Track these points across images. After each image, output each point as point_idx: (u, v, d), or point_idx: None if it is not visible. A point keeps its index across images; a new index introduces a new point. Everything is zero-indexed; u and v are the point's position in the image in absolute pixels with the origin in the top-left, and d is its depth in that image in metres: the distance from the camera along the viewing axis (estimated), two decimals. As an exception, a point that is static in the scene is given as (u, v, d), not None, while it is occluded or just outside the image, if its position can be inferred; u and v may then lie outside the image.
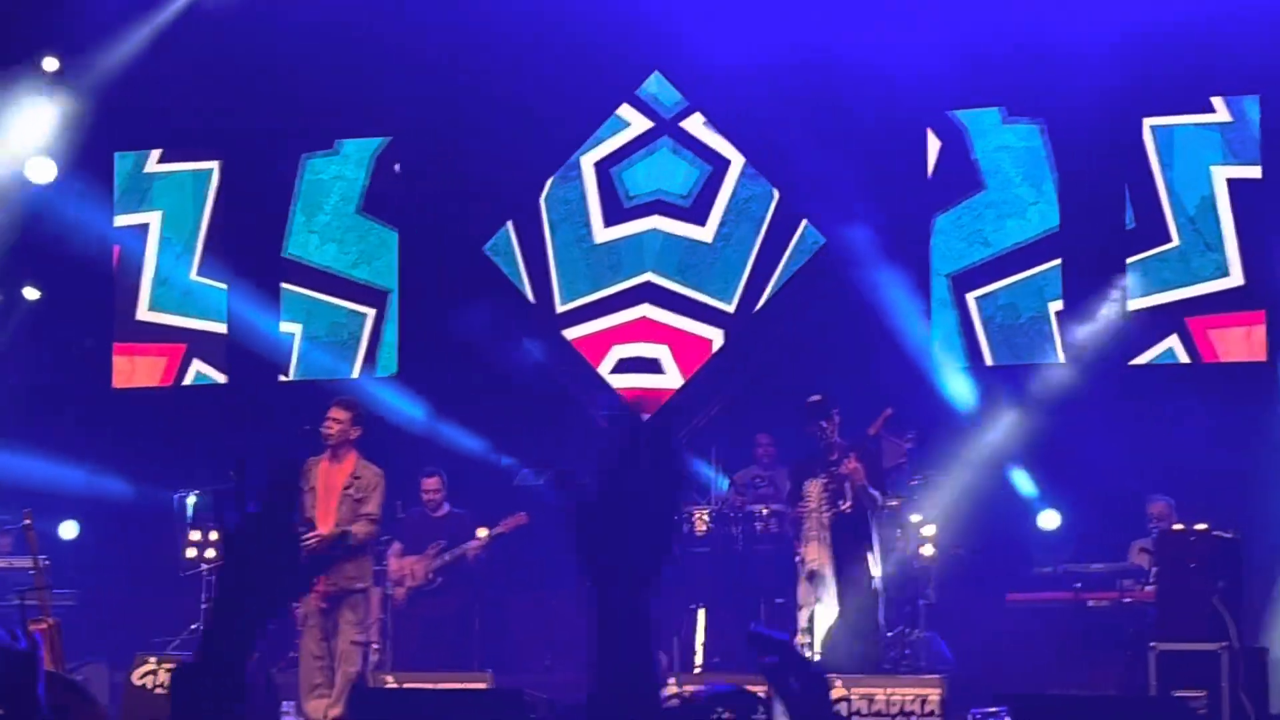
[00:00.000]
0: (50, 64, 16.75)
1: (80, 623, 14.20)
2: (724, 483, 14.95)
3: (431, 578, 14.24)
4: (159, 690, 11.44)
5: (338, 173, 17.35)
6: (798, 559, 12.49)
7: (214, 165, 17.54)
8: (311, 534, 12.22)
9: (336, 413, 12.55)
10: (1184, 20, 15.11)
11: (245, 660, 2.72)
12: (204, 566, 15.49)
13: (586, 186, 16.83)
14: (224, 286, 17.36)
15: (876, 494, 12.54)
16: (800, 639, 12.12)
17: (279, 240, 17.33)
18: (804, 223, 16.33)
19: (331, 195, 17.34)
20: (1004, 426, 15.25)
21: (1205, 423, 14.51)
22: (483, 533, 14.41)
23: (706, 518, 14.81)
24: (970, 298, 15.90)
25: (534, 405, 16.14)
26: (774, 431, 15.13)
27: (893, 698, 10.79)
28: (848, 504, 12.20)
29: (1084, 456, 14.76)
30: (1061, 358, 15.62)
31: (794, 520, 12.67)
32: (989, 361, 15.81)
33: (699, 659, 14.37)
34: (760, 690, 3.61)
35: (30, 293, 17.10)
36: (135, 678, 11.62)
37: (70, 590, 15.04)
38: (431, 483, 14.55)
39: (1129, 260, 15.53)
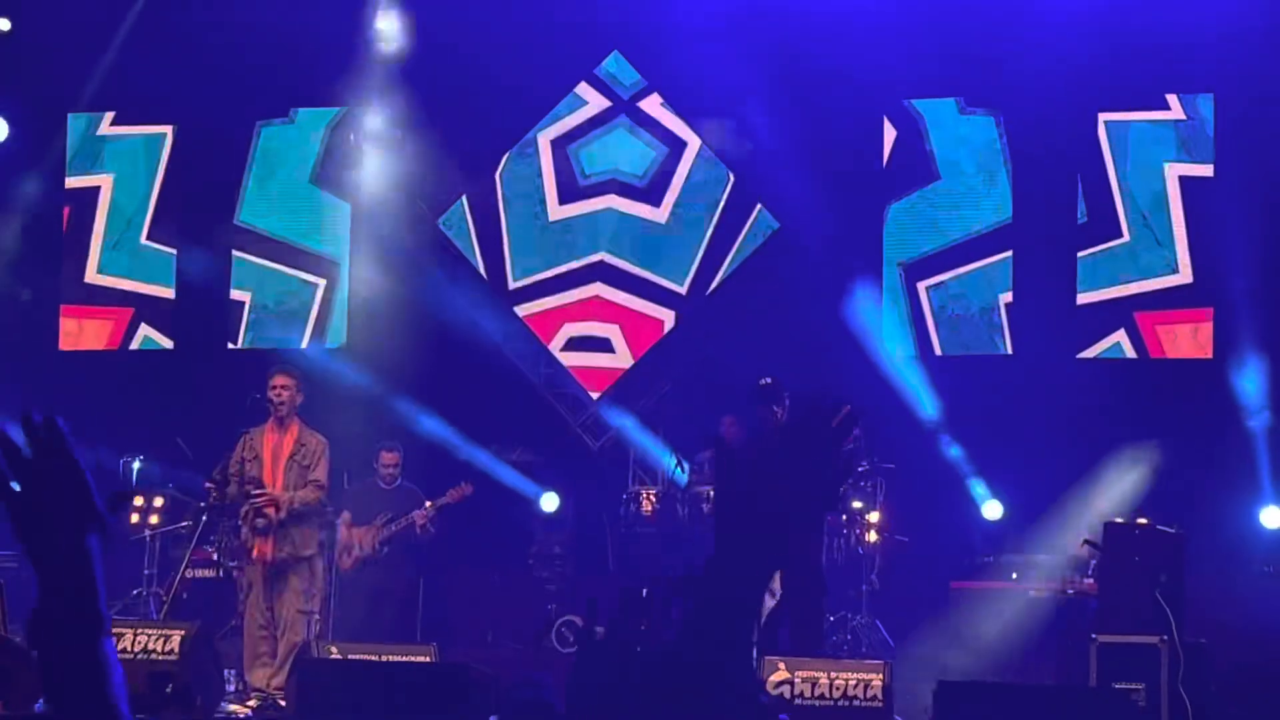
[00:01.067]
0: (3, 24, 16.62)
1: (23, 585, 14.11)
2: (678, 472, 14.90)
3: (378, 548, 14.21)
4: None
5: (292, 141, 17.27)
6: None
7: (168, 130, 17.44)
8: (262, 492, 12.20)
9: (284, 379, 12.52)
10: (1141, 17, 15.21)
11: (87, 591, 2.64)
12: (147, 532, 15.44)
13: (543, 163, 16.82)
14: (173, 252, 17.27)
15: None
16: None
17: (231, 207, 17.25)
18: (758, 207, 16.37)
19: (285, 164, 17.26)
20: (951, 416, 15.31)
21: (1150, 418, 14.65)
22: (427, 505, 14.40)
23: (653, 498, 14.85)
24: (921, 287, 15.97)
25: (483, 378, 16.12)
26: (729, 413, 15.13)
27: (836, 681, 10.83)
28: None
29: (1029, 447, 14.85)
30: (1009, 349, 15.70)
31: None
32: (938, 351, 15.89)
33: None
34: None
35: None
36: (78, 641, 11.54)
37: (12, 552, 14.95)
38: (390, 456, 14.51)
39: (1080, 254, 15.62)
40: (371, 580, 14.22)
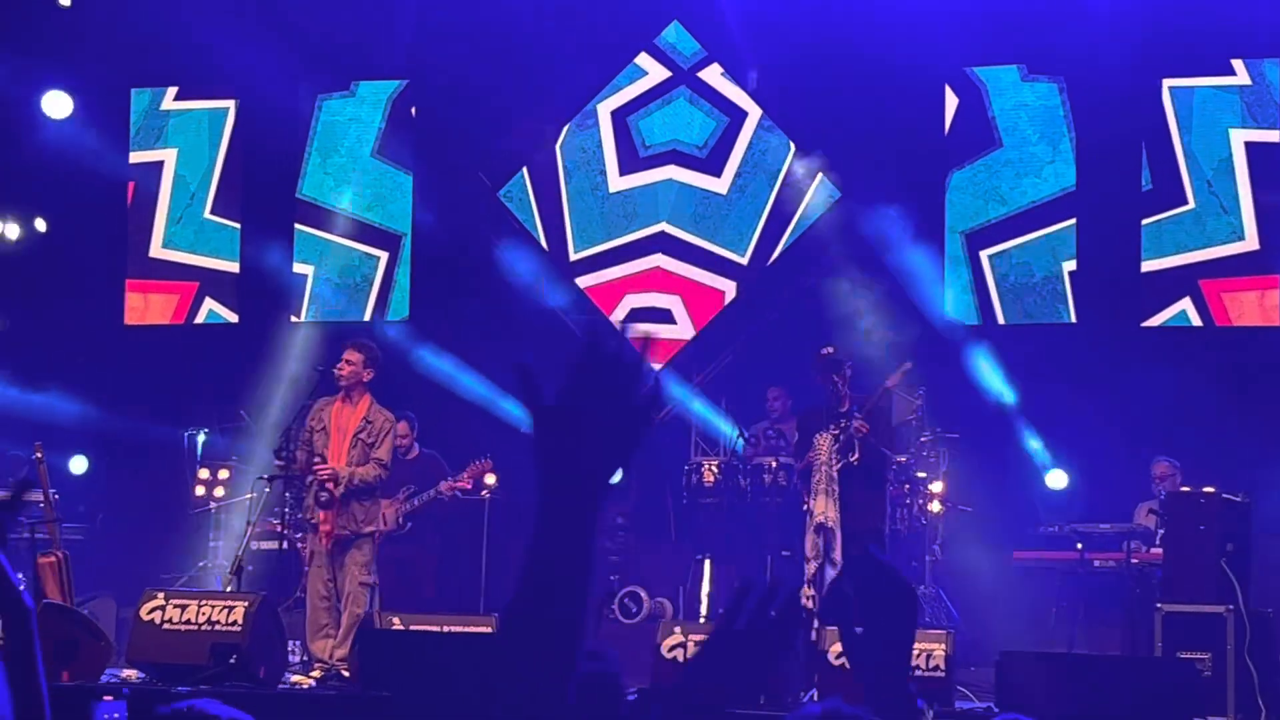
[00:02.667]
0: (64, -1, 16.75)
1: (89, 556, 14.26)
2: (739, 443, 14.88)
3: (401, 523, 14.14)
4: (167, 625, 11.48)
5: (354, 115, 17.32)
6: (805, 510, 12.49)
7: (230, 104, 17.52)
8: (324, 465, 12.25)
9: (351, 354, 12.55)
10: (1206, -18, 15.07)
11: None
12: (212, 504, 15.55)
13: (603, 134, 16.80)
14: (237, 226, 17.36)
15: (886, 452, 12.53)
16: (806, 591, 12.14)
17: (293, 181, 17.31)
18: (819, 176, 16.30)
19: (347, 137, 17.31)
20: (1014, 385, 15.23)
21: (1216, 386, 14.53)
22: (461, 484, 14.34)
23: (715, 469, 14.83)
24: (984, 255, 15.87)
25: (545, 350, 16.12)
26: (785, 384, 15.13)
27: (898, 651, 10.78)
28: (856, 456, 12.19)
29: (1094, 417, 14.77)
30: (1074, 317, 15.60)
31: (802, 472, 12.67)
32: (1001, 320, 15.79)
33: (704, 609, 14.41)
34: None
35: (39, 224, 17.09)
36: (143, 612, 11.65)
37: (79, 524, 15.11)
38: (401, 427, 14.47)
39: (1144, 221, 15.49)
40: (398, 553, 14.12)
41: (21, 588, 3.36)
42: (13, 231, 17.04)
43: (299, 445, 12.45)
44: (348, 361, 12.50)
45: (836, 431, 12.23)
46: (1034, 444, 15.06)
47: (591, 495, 2.47)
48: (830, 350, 12.53)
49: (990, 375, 15.26)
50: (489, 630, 11.79)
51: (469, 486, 14.41)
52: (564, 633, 2.47)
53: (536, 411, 2.46)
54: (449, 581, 14.60)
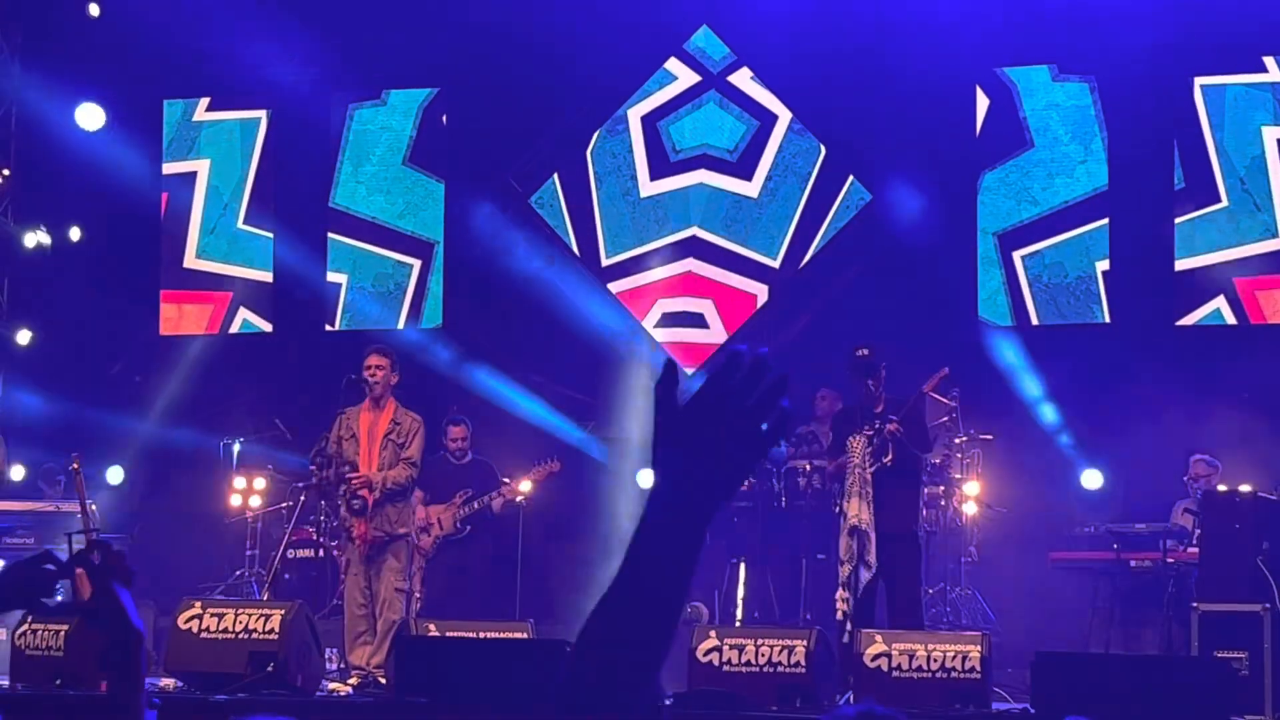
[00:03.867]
0: (94, 9, 16.83)
1: (140, 559, 14.31)
2: (781, 446, 14.86)
3: (460, 526, 14.21)
4: (204, 634, 11.53)
5: (385, 123, 17.38)
6: (838, 512, 12.49)
7: (262, 114, 17.59)
8: (356, 475, 12.28)
9: (377, 360, 12.59)
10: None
11: None
12: (248, 514, 15.61)
13: (633, 140, 16.82)
14: (270, 235, 17.43)
15: (921, 454, 12.51)
16: (841, 594, 12.13)
17: (326, 190, 17.37)
18: (850, 179, 16.30)
19: (379, 146, 17.37)
20: (1049, 385, 15.20)
21: (1251, 384, 14.48)
22: (526, 485, 14.41)
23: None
24: (1017, 256, 15.85)
25: (578, 357, 16.15)
26: (824, 386, 15.11)
27: (933, 654, 10.79)
28: (890, 458, 12.17)
29: (1128, 416, 14.73)
30: (1107, 317, 15.57)
31: (835, 474, 12.66)
32: (1035, 320, 15.76)
33: (739, 613, 14.41)
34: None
35: (74, 234, 17.18)
36: (180, 621, 11.69)
37: (116, 535, 15.16)
38: (458, 430, 14.50)
39: (1177, 220, 15.45)
40: (454, 558, 14.20)
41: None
42: (47, 242, 17.13)
43: (328, 456, 12.48)
44: (377, 367, 12.53)
45: (870, 433, 12.21)
46: (1068, 448, 15.02)
47: (704, 514, 2.41)
48: (865, 352, 12.50)
49: (1024, 376, 15.24)
50: (525, 636, 11.80)
51: (529, 491, 14.41)
52: (648, 652, 2.41)
53: (669, 412, 2.40)
54: (496, 587, 14.60)
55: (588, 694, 2.37)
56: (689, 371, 16.39)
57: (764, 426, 2.41)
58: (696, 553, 2.39)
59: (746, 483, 14.57)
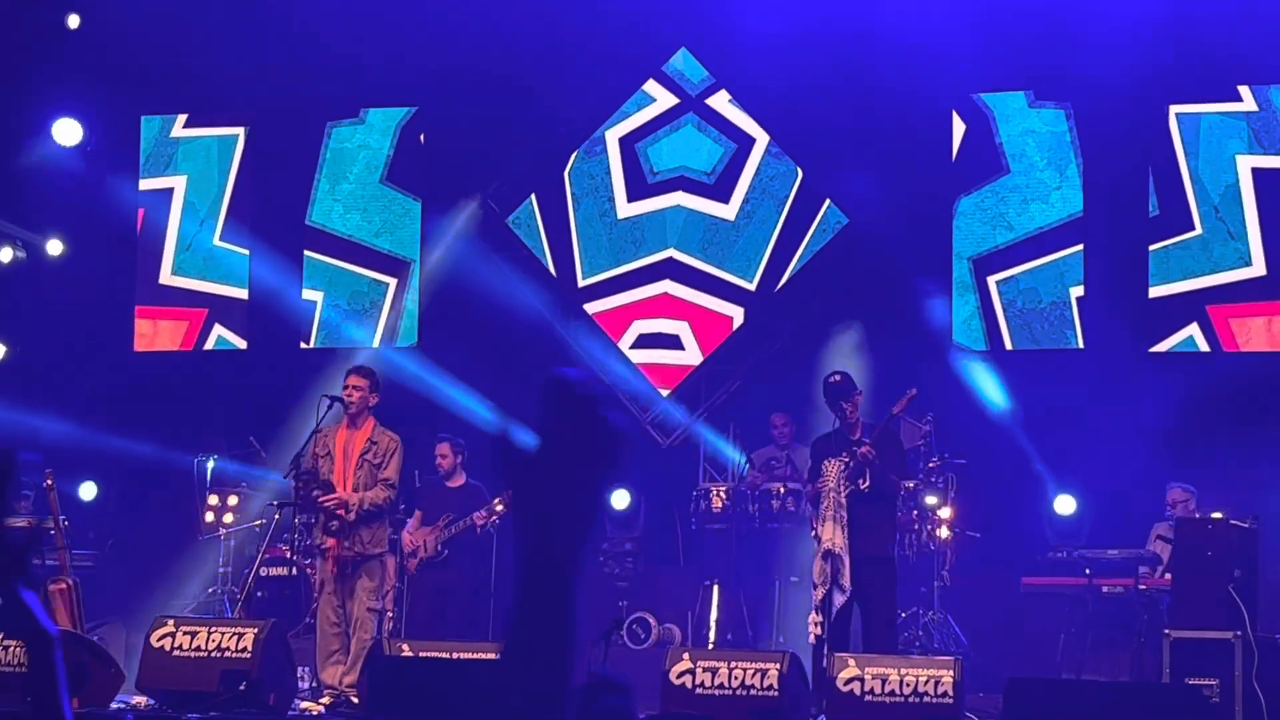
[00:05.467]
0: (73, 21, 16.81)
1: (99, 583, 14.28)
2: (743, 463, 14.93)
3: (439, 550, 14.20)
4: (177, 652, 11.50)
5: (363, 141, 17.38)
6: (813, 535, 12.51)
7: (240, 131, 17.58)
8: (330, 496, 12.26)
9: (356, 380, 12.58)
10: (1212, 8, 15.10)
11: None
12: (221, 531, 15.58)
13: (611, 161, 16.85)
14: (246, 253, 17.41)
15: (895, 478, 12.53)
16: (814, 618, 12.15)
17: (303, 208, 17.36)
18: (827, 202, 16.34)
19: (356, 164, 17.37)
20: (1022, 411, 15.23)
21: (1224, 411, 14.54)
22: (500, 506, 14.41)
23: (723, 495, 14.85)
24: (991, 281, 15.90)
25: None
26: (792, 410, 15.18)
27: (906, 678, 10.81)
28: (865, 482, 12.20)
29: (1101, 442, 14.77)
30: (1081, 343, 15.62)
31: (811, 498, 12.68)
32: (1009, 346, 15.81)
33: (712, 635, 14.42)
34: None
35: (54, 245, 17.14)
36: (153, 639, 11.67)
37: (89, 551, 15.15)
38: (442, 448, 14.50)
39: (1151, 247, 15.51)
40: (434, 580, 14.23)
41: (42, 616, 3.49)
42: (21, 256, 17.09)
43: (304, 474, 12.45)
44: (355, 387, 12.51)
45: (847, 459, 12.23)
46: (1041, 473, 15.06)
47: (570, 534, 2.48)
48: (838, 377, 12.53)
49: (996, 399, 15.28)
50: (497, 657, 11.79)
51: (503, 512, 14.40)
52: (554, 668, 2.50)
53: (513, 467, 2.49)
54: (481, 608, 14.59)
55: (511, 703, 2.46)
56: (664, 393, 16.44)
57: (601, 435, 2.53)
58: (575, 579, 2.50)
59: (718, 501, 14.64)
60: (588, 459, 2.46)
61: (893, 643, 12.29)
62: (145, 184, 17.68)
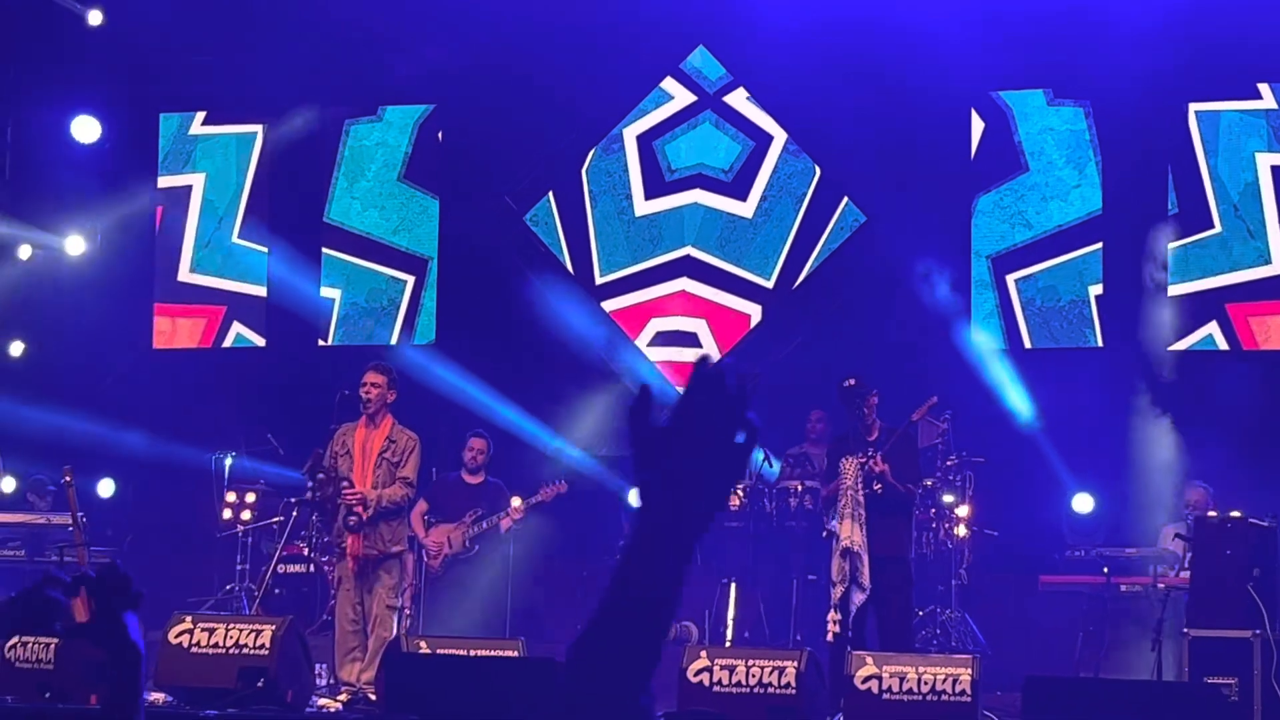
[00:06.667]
0: (94, 17, 16.85)
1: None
2: (764, 466, 14.80)
3: (469, 545, 14.26)
4: (195, 649, 11.51)
5: (381, 139, 17.40)
6: (825, 534, 12.51)
7: (258, 129, 17.61)
8: (352, 490, 12.25)
9: (374, 377, 12.56)
10: (1231, 5, 15.07)
11: None
12: (239, 528, 15.59)
13: (629, 159, 16.85)
14: (265, 250, 17.44)
15: (910, 486, 12.51)
16: (832, 616, 12.14)
17: (321, 205, 17.39)
18: (845, 200, 16.33)
19: (374, 162, 17.39)
20: (1041, 409, 15.20)
21: (1243, 409, 14.50)
22: (517, 501, 14.43)
23: (740, 493, 14.83)
24: (1010, 279, 15.88)
25: (571, 374, 16.15)
26: (818, 408, 15.12)
27: (924, 676, 10.79)
28: (879, 486, 12.19)
29: (1120, 441, 14.75)
30: (1100, 342, 15.59)
31: (828, 497, 12.67)
32: (1027, 344, 15.79)
33: (729, 633, 14.41)
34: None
35: (74, 244, 17.18)
36: (171, 636, 11.67)
37: (107, 548, 15.15)
38: (479, 444, 14.51)
39: (1171, 245, 15.48)
40: (458, 577, 14.27)
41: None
42: (41, 255, 17.14)
43: (324, 470, 12.46)
44: (373, 384, 12.49)
45: (863, 459, 12.22)
46: (1059, 471, 15.03)
47: (689, 533, 2.43)
48: (852, 382, 12.52)
49: (1016, 399, 15.25)
50: (515, 654, 11.80)
51: (523, 514, 14.40)
52: (636, 670, 2.44)
53: (645, 435, 2.42)
54: (498, 606, 14.59)
55: (577, 712, 2.39)
56: (682, 390, 16.40)
57: (739, 439, 2.44)
58: (683, 572, 2.42)
59: (736, 499, 14.62)
60: (722, 456, 2.39)
61: (909, 644, 12.27)
62: (164, 181, 17.72)
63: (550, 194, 16.98)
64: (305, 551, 13.54)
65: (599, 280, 16.79)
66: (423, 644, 11.88)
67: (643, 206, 16.79)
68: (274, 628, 11.53)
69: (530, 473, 15.00)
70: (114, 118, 17.22)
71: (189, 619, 11.84)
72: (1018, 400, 15.24)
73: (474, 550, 14.25)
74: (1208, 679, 10.94)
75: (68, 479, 12.77)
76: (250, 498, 15.87)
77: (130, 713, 3.49)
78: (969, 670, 10.81)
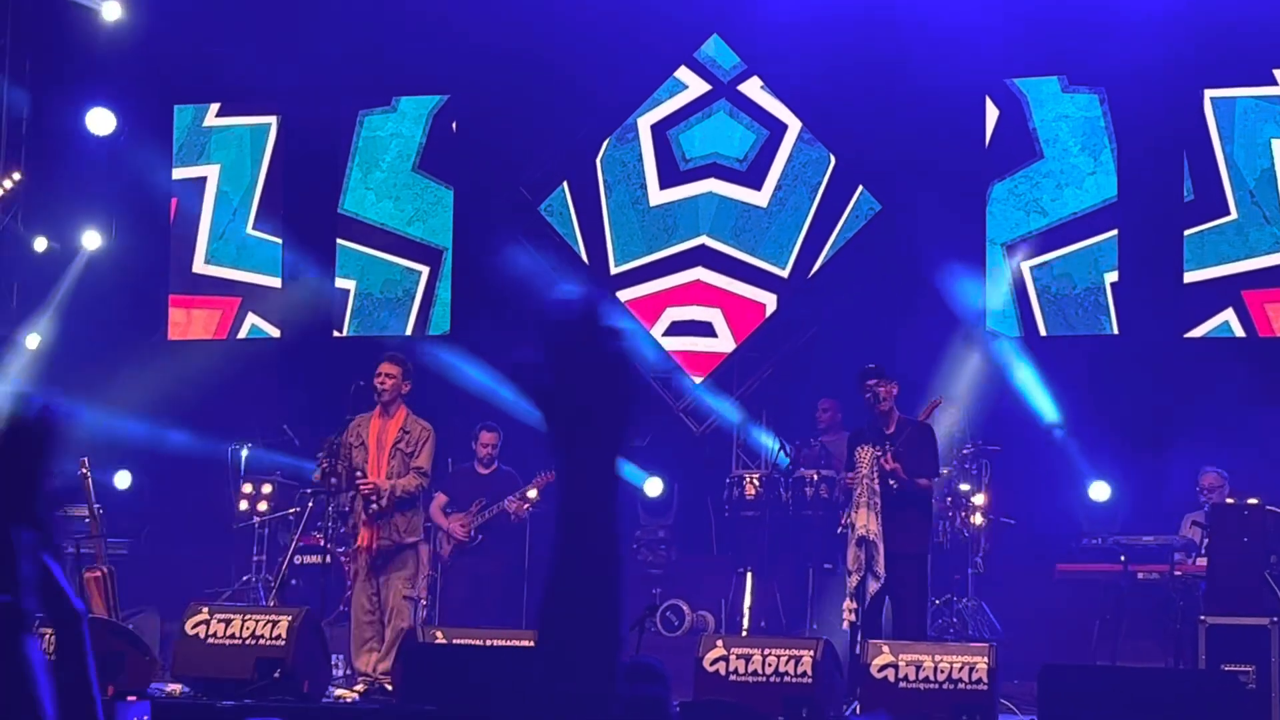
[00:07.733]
0: (111, 10, 16.87)
1: (133, 571, 14.33)
2: (781, 456, 14.76)
3: (473, 535, 14.27)
4: (211, 639, 11.53)
5: (395, 130, 17.39)
6: (841, 527, 12.50)
7: (272, 120, 17.62)
8: (365, 481, 12.26)
9: (389, 368, 12.57)
10: (1247, -9, 15.03)
11: None
12: (255, 519, 15.61)
13: (643, 148, 16.83)
14: (279, 241, 17.45)
15: (925, 481, 12.50)
16: (848, 605, 12.14)
17: (335, 196, 17.39)
18: (860, 188, 16.30)
19: (388, 152, 17.39)
20: (1057, 397, 15.18)
21: (1259, 396, 14.46)
22: (533, 494, 14.43)
23: (756, 482, 14.82)
24: (1025, 267, 15.84)
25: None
26: (830, 397, 15.10)
27: (940, 665, 10.79)
28: (894, 484, 12.19)
29: (1136, 428, 14.72)
30: (1115, 329, 15.56)
31: (845, 487, 12.66)
32: (1043, 331, 15.75)
33: (745, 622, 14.41)
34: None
35: (90, 239, 17.21)
36: (188, 626, 11.71)
37: (124, 539, 15.18)
38: (490, 437, 14.56)
39: (1186, 232, 15.44)
40: (471, 566, 14.29)
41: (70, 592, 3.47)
42: (58, 246, 17.17)
43: (339, 460, 12.47)
44: (387, 375, 12.51)
45: (878, 452, 12.21)
46: (1075, 459, 15.00)
47: (609, 448, 2.43)
48: (872, 367, 12.52)
49: (1032, 387, 15.23)
50: (532, 644, 11.78)
51: (535, 498, 14.43)
52: (602, 635, 2.43)
53: (538, 395, 2.45)
54: (510, 595, 14.61)
55: (549, 688, 2.41)
56: (697, 380, 16.42)
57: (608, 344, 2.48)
58: (614, 489, 2.43)
59: (751, 488, 14.59)
60: (607, 396, 2.39)
61: (924, 630, 12.27)
62: (178, 173, 17.74)
63: (565, 184, 16.98)
64: (321, 542, 13.55)
65: (614, 270, 16.77)
66: (439, 634, 11.89)
67: (657, 196, 16.77)
68: (290, 619, 11.56)
69: (545, 464, 14.96)
70: (129, 110, 17.23)
71: (206, 610, 11.88)
72: (1041, 401, 15.17)
73: (478, 539, 14.25)
74: (1225, 666, 10.92)
75: (84, 471, 12.79)
76: (266, 489, 15.89)
77: (85, 676, 3.43)
78: (986, 658, 10.81)
